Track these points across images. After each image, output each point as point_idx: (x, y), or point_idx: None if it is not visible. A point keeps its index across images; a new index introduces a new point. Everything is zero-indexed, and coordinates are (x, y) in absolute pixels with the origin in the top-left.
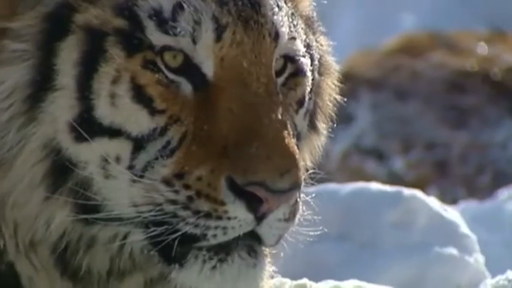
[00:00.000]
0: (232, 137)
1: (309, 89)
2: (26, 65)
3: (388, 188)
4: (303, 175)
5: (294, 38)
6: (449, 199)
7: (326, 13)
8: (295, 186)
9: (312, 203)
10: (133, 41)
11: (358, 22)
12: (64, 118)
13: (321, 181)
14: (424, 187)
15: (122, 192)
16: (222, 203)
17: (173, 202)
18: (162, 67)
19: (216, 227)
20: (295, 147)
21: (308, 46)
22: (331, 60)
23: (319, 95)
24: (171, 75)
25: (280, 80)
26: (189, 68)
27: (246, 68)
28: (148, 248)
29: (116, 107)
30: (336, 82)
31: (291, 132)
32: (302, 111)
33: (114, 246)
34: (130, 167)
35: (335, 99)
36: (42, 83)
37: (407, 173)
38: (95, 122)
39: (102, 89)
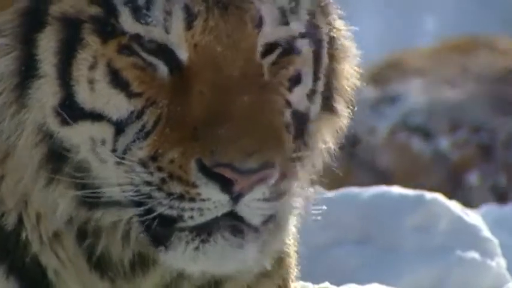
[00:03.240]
0: (202, 119)
1: (308, 68)
2: (10, 57)
3: (409, 191)
4: (281, 153)
5: (287, 24)
6: (490, 184)
7: (349, 17)
8: (266, 165)
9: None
10: (107, 28)
11: (380, 25)
12: (49, 104)
13: (365, 158)
14: (467, 168)
15: (111, 174)
16: (194, 185)
17: (148, 183)
18: (139, 50)
19: (191, 209)
20: (275, 127)
21: (314, 26)
22: (349, 44)
23: (336, 78)
24: (148, 58)
25: (271, 58)
26: (165, 52)
27: (220, 53)
28: (139, 231)
29: (95, 92)
30: (354, 67)
31: (275, 113)
32: (299, 89)
33: (119, 232)
34: (114, 150)
35: (354, 84)
36: (27, 72)
37: (452, 153)
38: (77, 107)
39: (80, 75)
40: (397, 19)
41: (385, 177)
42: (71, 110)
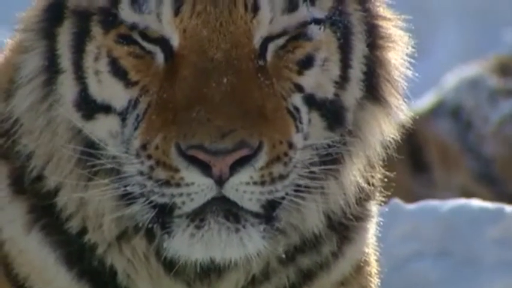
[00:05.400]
0: (182, 104)
1: (327, 54)
2: (35, 53)
3: (489, 204)
4: (268, 136)
5: (295, 10)
6: None
7: (425, 30)
8: (242, 145)
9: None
10: (109, 18)
11: (457, 38)
12: (70, 98)
13: (474, 145)
14: None
15: (126, 167)
16: (177, 170)
17: (141, 173)
18: (139, 39)
19: (180, 195)
20: (259, 109)
21: (341, 13)
22: (397, 33)
23: (382, 67)
24: (148, 46)
25: (279, 42)
26: (162, 39)
27: (206, 36)
28: (147, 222)
29: (101, 83)
30: (404, 56)
31: (266, 96)
32: (312, 73)
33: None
34: (123, 142)
35: (404, 74)
36: (51, 68)
37: None
38: (91, 100)
39: (89, 68)
40: (476, 31)
41: (487, 165)
42: (87, 104)
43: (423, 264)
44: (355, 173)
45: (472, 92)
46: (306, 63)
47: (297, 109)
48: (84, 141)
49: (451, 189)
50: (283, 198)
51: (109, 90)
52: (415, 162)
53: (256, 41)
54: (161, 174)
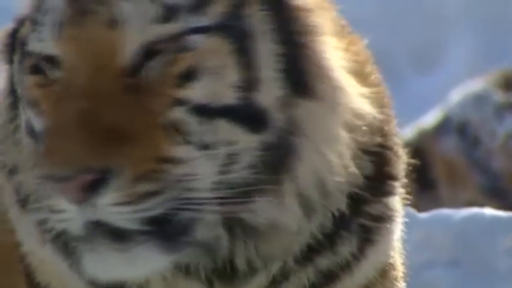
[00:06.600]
0: (46, 132)
1: (218, 61)
2: (5, 77)
3: (502, 213)
4: (112, 157)
5: (170, 21)
6: None
7: (438, 41)
8: (84, 171)
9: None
10: (25, 48)
11: (470, 49)
12: (23, 125)
13: (482, 159)
14: None
15: None
16: (49, 198)
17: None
18: (45, 67)
19: (61, 221)
20: (108, 130)
21: (238, 17)
22: (320, 23)
23: (308, 60)
24: (56, 73)
25: (158, 58)
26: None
27: (71, 62)
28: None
29: (30, 115)
30: (331, 47)
31: (121, 115)
32: (197, 84)
33: None
34: None
35: (336, 64)
36: (14, 93)
37: None
38: (36, 130)
39: (23, 97)
40: (490, 42)
41: (495, 179)
42: (32, 132)
43: (434, 273)
44: (318, 167)
45: (478, 107)
46: (188, 75)
47: (179, 122)
48: None
49: (458, 206)
50: (170, 214)
51: (32, 119)
52: (420, 180)
53: (127, 57)
54: (43, 201)
